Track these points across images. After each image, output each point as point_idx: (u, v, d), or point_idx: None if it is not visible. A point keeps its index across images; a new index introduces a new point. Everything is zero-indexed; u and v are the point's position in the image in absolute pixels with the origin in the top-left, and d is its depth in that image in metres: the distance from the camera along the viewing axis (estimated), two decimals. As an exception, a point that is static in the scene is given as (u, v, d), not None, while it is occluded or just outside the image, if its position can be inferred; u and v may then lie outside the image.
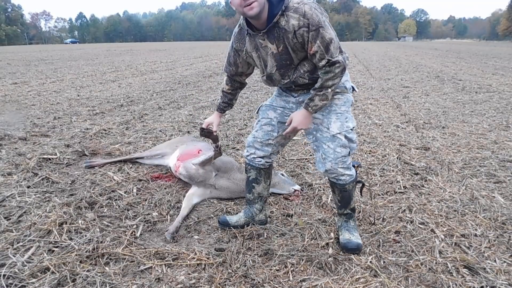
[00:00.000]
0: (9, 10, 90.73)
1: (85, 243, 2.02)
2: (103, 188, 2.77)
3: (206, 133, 2.28)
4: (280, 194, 2.73)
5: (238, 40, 1.94)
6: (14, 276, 1.73)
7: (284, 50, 1.80)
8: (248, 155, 2.20)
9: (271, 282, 1.75)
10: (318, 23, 1.68)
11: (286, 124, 2.00)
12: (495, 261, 1.90)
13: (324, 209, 2.52)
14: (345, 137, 1.90)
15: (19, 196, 2.58)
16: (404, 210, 2.46)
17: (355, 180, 2.04)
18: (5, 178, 2.92)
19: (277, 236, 2.18)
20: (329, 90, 1.79)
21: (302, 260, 1.92)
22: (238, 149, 3.80)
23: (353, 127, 1.95)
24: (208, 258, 1.93)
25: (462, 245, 2.05)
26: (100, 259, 1.89)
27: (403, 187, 2.85)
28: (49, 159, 3.37)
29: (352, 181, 2.01)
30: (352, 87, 2.03)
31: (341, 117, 1.92)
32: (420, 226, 2.26)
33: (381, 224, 2.28)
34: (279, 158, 3.52)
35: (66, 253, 1.92)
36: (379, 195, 2.73)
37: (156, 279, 1.77)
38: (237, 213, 2.39)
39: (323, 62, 1.74)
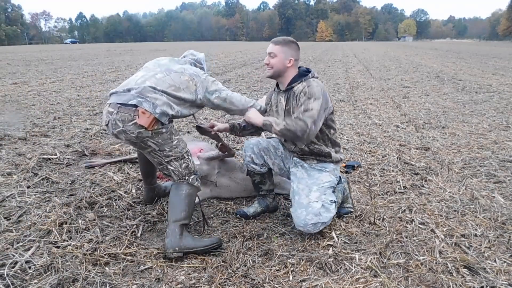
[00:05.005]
0: (9, 10, 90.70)
1: (85, 243, 2.02)
2: (103, 188, 2.77)
3: (203, 131, 2.40)
4: (280, 194, 2.73)
5: (270, 93, 2.42)
6: (15, 276, 1.73)
7: (288, 109, 2.19)
8: (244, 157, 2.37)
9: (271, 282, 1.75)
10: (313, 95, 2.04)
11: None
12: (495, 261, 1.90)
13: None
14: (322, 205, 2.08)
15: (19, 196, 2.58)
16: (404, 210, 2.46)
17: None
18: (5, 178, 2.92)
19: (277, 236, 2.18)
20: (281, 127, 2.05)
21: (302, 260, 1.92)
22: (238, 149, 3.80)
23: (332, 201, 2.15)
24: (208, 258, 1.93)
25: (462, 245, 2.05)
26: (100, 259, 1.89)
27: (403, 187, 2.85)
28: (49, 159, 3.37)
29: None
30: (340, 178, 2.35)
31: (321, 190, 2.16)
32: (420, 226, 2.26)
33: (381, 224, 2.28)
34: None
35: (66, 253, 1.92)
36: (379, 195, 2.73)
37: (156, 279, 1.77)
38: (249, 205, 2.50)
39: (295, 115, 2.07)
